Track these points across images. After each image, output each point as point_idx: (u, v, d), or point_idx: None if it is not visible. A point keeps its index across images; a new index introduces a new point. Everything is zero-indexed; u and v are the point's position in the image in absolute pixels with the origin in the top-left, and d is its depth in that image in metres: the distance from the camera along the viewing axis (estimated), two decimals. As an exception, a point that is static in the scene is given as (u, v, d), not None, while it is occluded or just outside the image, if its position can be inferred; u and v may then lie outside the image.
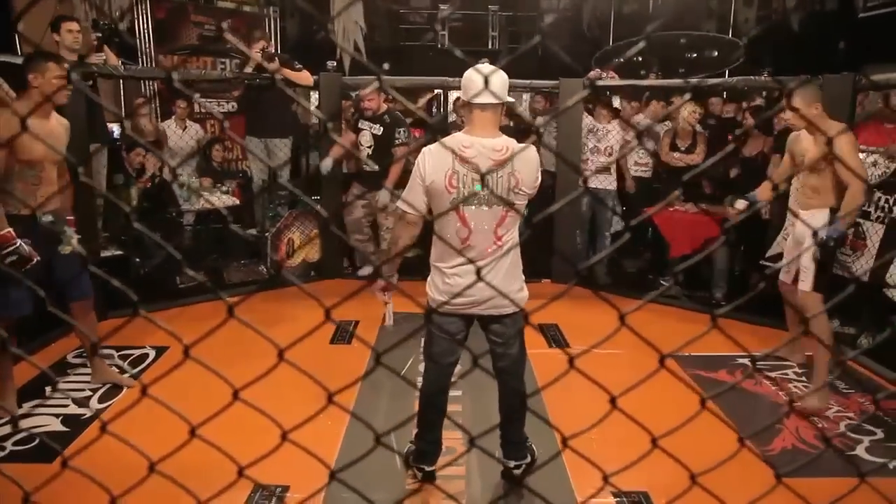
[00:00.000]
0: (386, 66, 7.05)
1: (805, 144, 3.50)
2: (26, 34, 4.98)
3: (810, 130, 3.43)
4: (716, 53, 7.74)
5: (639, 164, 5.87)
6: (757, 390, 3.61)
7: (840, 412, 3.39)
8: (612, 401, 0.95)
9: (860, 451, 3.02)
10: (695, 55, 7.69)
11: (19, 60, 3.87)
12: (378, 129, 4.99)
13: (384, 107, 4.98)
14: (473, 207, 2.34)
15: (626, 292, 5.17)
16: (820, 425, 3.24)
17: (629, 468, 1.07)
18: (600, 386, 0.95)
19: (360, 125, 5.06)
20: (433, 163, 2.35)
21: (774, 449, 3.01)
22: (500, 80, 2.37)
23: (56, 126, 3.17)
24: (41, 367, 3.54)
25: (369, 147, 5.05)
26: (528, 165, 2.36)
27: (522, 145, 2.41)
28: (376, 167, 4.94)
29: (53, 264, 3.17)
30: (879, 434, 3.15)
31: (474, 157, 2.31)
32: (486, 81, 2.29)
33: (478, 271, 0.99)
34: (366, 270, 5.33)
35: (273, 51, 5.50)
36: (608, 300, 0.89)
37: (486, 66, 2.40)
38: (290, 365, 0.93)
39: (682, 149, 5.43)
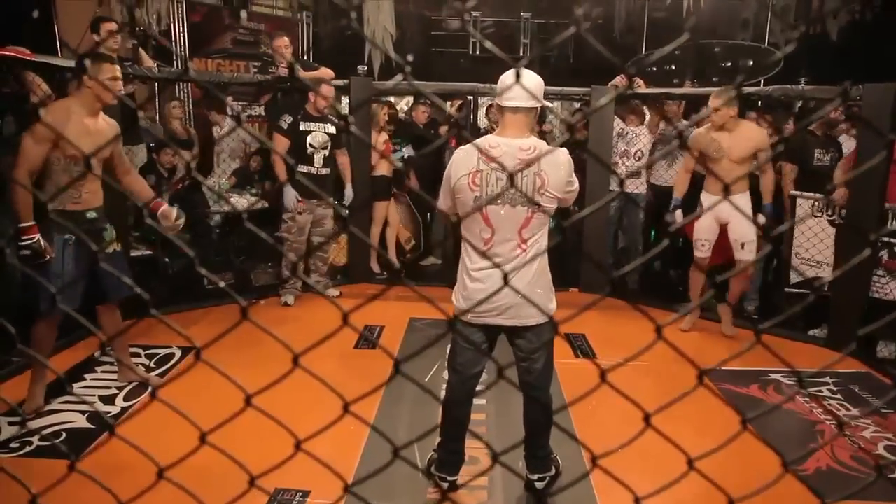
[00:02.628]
0: (410, 57, 7.01)
1: (728, 143, 4.15)
2: (65, 36, 5.07)
3: (729, 128, 4.14)
4: (751, 62, 7.60)
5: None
6: (789, 407, 3.51)
7: (878, 432, 3.27)
8: (647, 418, 0.90)
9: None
10: (729, 64, 7.56)
11: (60, 62, 3.97)
12: (332, 128, 4.85)
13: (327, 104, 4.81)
14: (497, 207, 2.30)
15: (655, 303, 5.08)
16: (857, 445, 3.13)
17: (661, 491, 1.01)
18: (634, 403, 0.91)
19: (304, 126, 4.79)
20: (459, 162, 2.34)
21: (808, 469, 2.91)
22: (533, 82, 2.34)
23: (104, 125, 3.21)
24: (56, 372, 3.58)
25: (324, 149, 4.85)
26: (556, 167, 2.31)
27: (553, 147, 2.36)
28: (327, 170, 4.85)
29: (94, 262, 3.19)
30: (919, 456, 3.03)
31: (500, 157, 2.28)
32: (517, 78, 2.25)
33: (505, 277, 0.95)
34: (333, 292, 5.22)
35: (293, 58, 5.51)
36: (646, 313, 0.85)
37: (521, 70, 2.36)
38: (306, 371, 0.90)
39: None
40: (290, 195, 4.74)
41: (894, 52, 6.37)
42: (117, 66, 3.16)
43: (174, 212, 3.30)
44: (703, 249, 4.39)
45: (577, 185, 2.41)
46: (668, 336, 0.81)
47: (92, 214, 3.21)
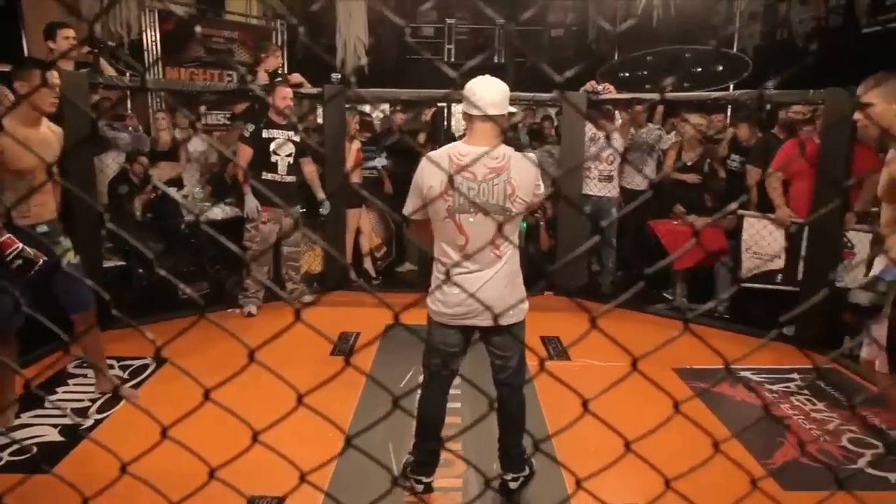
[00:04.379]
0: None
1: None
2: (32, 44, 5.03)
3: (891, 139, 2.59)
4: (721, 68, 7.73)
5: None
6: (756, 402, 3.59)
7: (843, 425, 3.35)
8: (627, 445, 0.94)
9: (862, 464, 2.99)
10: (700, 69, 7.69)
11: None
12: (296, 136, 4.85)
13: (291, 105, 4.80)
14: (469, 215, 2.34)
15: (630, 305, 5.15)
16: (822, 438, 3.20)
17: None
18: (615, 431, 0.94)
19: (267, 133, 4.75)
20: (430, 170, 2.36)
21: (775, 462, 2.98)
22: (500, 91, 2.38)
23: (47, 134, 3.08)
24: (29, 382, 3.54)
25: (289, 156, 4.82)
26: (524, 173, 2.36)
27: (519, 154, 2.41)
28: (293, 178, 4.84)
29: (52, 275, 3.11)
30: (881, 447, 3.11)
31: (471, 166, 2.32)
32: (485, 90, 2.30)
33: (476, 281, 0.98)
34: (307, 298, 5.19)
35: (280, 69, 5.53)
36: (582, 306, 0.89)
37: (488, 78, 2.41)
38: (261, 365, 0.92)
39: (689, 163, 5.42)
40: (251, 204, 4.73)
41: (858, 56, 6.54)
42: (53, 72, 3.01)
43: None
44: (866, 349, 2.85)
45: (542, 188, 2.46)
46: (637, 335, 0.85)
47: (43, 228, 3.09)
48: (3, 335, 3.03)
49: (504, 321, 2.43)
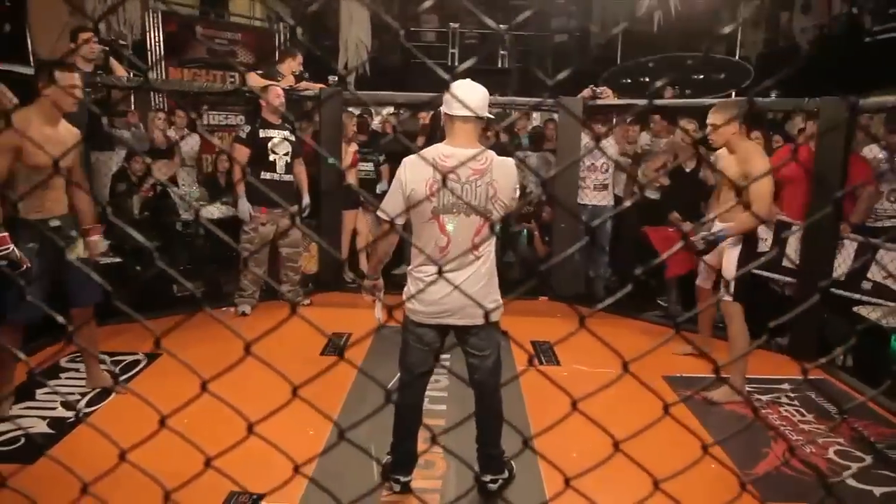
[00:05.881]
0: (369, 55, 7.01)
1: (724, 164, 3.68)
2: (37, 44, 5.09)
3: (730, 149, 3.63)
4: (723, 75, 7.74)
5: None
6: (745, 412, 3.57)
7: (830, 438, 3.34)
8: (616, 445, 0.94)
9: (847, 476, 2.97)
10: (701, 77, 7.70)
11: (28, 70, 3.98)
12: (291, 135, 4.86)
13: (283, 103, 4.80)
14: (452, 216, 2.37)
15: (623, 312, 5.15)
16: (808, 450, 3.19)
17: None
18: (606, 432, 0.94)
19: (264, 133, 4.77)
20: (414, 172, 2.39)
21: (758, 472, 2.97)
22: (480, 94, 2.42)
23: (64, 133, 3.20)
24: (36, 373, 3.58)
25: (286, 155, 4.85)
26: (505, 176, 2.39)
27: (501, 157, 2.43)
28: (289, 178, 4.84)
29: (62, 269, 3.20)
30: (868, 460, 3.10)
31: (455, 167, 2.34)
32: (464, 92, 2.32)
33: (440, 271, 1.00)
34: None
35: (302, 70, 5.57)
36: (577, 309, 0.90)
37: (469, 81, 2.44)
38: (256, 358, 0.94)
39: (688, 170, 5.41)
40: (244, 207, 4.75)
41: (860, 64, 6.53)
42: (76, 74, 3.15)
43: (101, 247, 3.38)
44: (702, 279, 4.15)
45: (518, 193, 2.48)
46: (630, 341, 0.85)
47: (55, 223, 3.20)
48: (13, 328, 3.11)
49: (478, 321, 2.45)
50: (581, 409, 0.93)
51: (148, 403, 0.99)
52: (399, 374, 2.65)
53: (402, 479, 2.64)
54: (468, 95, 2.39)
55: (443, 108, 2.48)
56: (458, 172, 2.35)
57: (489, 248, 2.46)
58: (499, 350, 2.56)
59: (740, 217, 3.51)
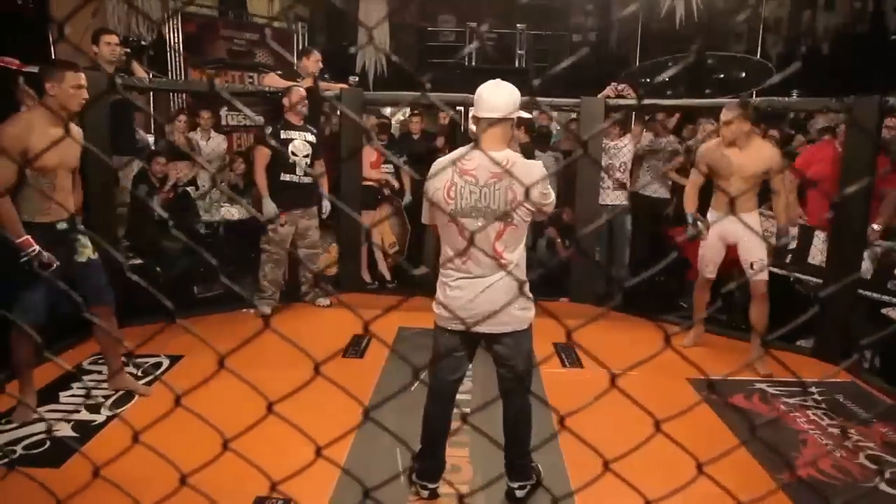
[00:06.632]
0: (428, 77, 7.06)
1: (739, 160, 3.91)
2: (58, 45, 5.12)
3: (740, 145, 3.89)
4: (744, 74, 7.65)
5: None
6: (773, 415, 3.52)
7: (860, 441, 3.28)
8: (657, 425, 0.92)
9: (880, 483, 2.91)
10: (722, 76, 7.61)
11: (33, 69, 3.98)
12: (312, 137, 4.87)
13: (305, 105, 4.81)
14: (470, 220, 2.34)
15: (642, 313, 5.10)
16: (839, 454, 3.14)
17: (670, 496, 1.03)
18: (645, 409, 0.92)
19: (285, 134, 4.78)
20: (435, 175, 2.37)
21: (788, 478, 2.91)
22: (509, 95, 2.36)
23: (72, 134, 3.14)
24: (67, 367, 3.59)
25: (306, 157, 4.83)
26: (528, 179, 2.33)
27: (524, 160, 2.39)
28: (309, 179, 4.81)
29: (71, 272, 3.19)
30: (901, 465, 3.04)
31: (475, 169, 2.31)
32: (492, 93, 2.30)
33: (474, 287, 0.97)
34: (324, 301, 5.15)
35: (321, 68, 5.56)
36: (662, 327, 0.87)
37: (498, 81, 2.40)
38: (326, 379, 0.93)
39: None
40: (269, 207, 4.74)
41: (883, 64, 6.43)
42: (82, 74, 3.09)
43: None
44: (707, 270, 4.24)
45: (553, 197, 2.44)
46: (652, 343, 0.83)
47: (62, 226, 3.15)
48: (24, 332, 3.07)
49: (504, 329, 2.41)
50: (605, 415, 0.91)
51: (196, 415, 0.97)
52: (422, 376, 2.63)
53: (430, 485, 2.62)
54: (493, 97, 2.34)
55: (471, 110, 2.44)
56: (476, 175, 2.32)
57: (518, 255, 2.41)
58: (529, 358, 2.51)
59: (782, 208, 3.96)
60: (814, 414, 3.60)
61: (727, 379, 3.91)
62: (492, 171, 2.30)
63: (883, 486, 2.88)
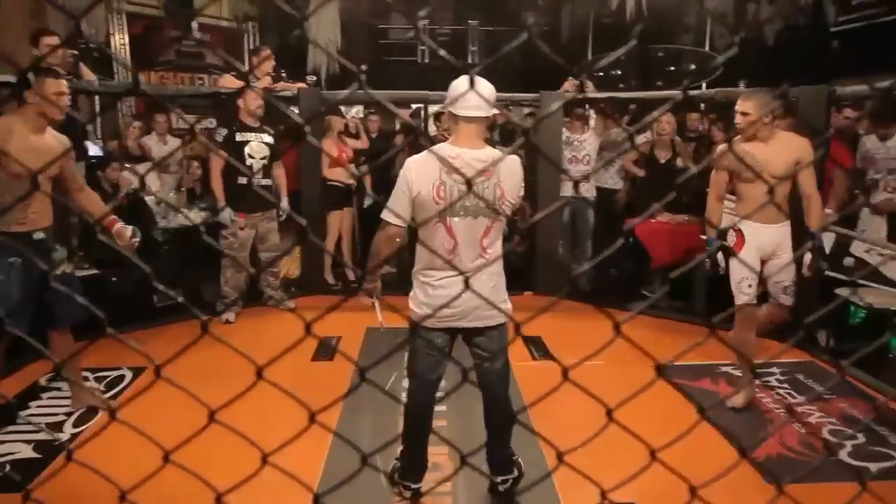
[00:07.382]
0: (364, 66, 7.02)
1: (765, 156, 3.19)
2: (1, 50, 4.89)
3: (762, 139, 3.24)
4: (693, 66, 7.84)
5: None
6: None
7: (823, 417, 3.40)
8: (609, 413, 0.93)
9: (843, 455, 3.03)
10: (672, 68, 7.78)
11: (9, 78, 3.82)
12: (269, 138, 4.79)
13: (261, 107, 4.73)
14: (459, 219, 2.32)
15: (606, 303, 5.17)
16: (802, 430, 3.24)
17: (625, 483, 1.04)
18: (597, 399, 0.93)
19: (241, 136, 4.68)
20: (420, 173, 2.32)
21: (759, 456, 3.00)
22: (489, 93, 2.35)
23: (51, 141, 3.05)
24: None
25: (263, 159, 4.75)
26: (512, 176, 2.36)
27: (507, 156, 2.38)
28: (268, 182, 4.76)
29: (45, 285, 3.05)
30: (861, 438, 3.16)
31: (461, 168, 2.29)
32: (472, 90, 2.28)
33: (466, 280, 0.96)
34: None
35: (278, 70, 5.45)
36: (609, 314, 0.87)
37: (477, 80, 2.38)
38: (269, 383, 0.89)
39: (663, 161, 5.47)
40: (225, 215, 4.64)
41: (826, 54, 6.67)
42: (63, 81, 3.02)
43: (129, 231, 3.21)
44: (748, 292, 3.35)
45: (523, 192, 2.46)
46: (612, 333, 0.84)
47: (39, 235, 3.07)
48: None
49: (488, 322, 2.42)
50: (577, 406, 0.92)
51: (141, 432, 0.93)
52: (404, 378, 2.61)
53: (413, 485, 2.60)
54: (474, 95, 2.28)
55: (447, 107, 2.40)
56: (465, 173, 2.30)
57: (497, 248, 2.42)
58: (507, 351, 2.53)
59: (815, 211, 3.29)
60: (777, 394, 3.71)
61: (695, 364, 3.99)
62: (477, 168, 2.28)
63: (846, 458, 3.00)
